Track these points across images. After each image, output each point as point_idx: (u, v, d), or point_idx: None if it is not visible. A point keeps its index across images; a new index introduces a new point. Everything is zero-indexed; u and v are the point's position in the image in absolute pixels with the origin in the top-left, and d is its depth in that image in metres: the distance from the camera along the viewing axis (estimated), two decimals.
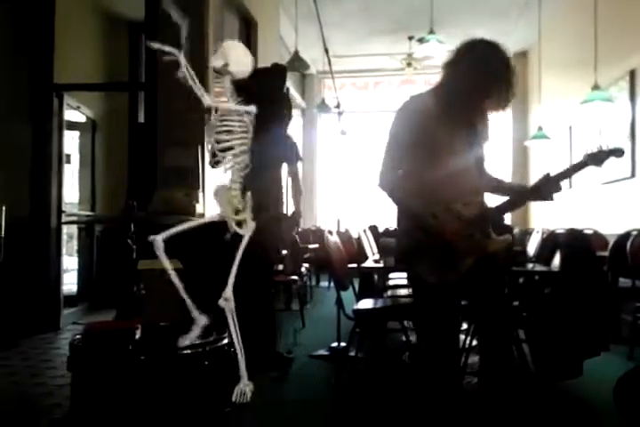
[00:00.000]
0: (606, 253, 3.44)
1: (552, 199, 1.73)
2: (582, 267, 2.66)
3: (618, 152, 1.69)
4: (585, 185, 5.51)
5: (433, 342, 1.78)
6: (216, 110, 1.51)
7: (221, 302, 1.41)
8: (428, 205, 1.69)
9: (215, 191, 1.44)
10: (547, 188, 1.72)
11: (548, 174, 1.73)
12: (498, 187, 1.87)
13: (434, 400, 1.81)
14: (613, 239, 3.50)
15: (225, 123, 1.47)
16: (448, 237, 1.65)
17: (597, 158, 1.69)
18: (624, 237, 3.32)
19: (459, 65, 1.71)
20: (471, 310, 1.85)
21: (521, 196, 1.81)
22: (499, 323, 1.78)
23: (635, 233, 3.30)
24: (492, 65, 1.67)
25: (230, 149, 1.43)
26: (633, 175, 4.50)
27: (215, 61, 1.45)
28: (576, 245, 2.75)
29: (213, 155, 1.50)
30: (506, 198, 1.83)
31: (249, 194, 1.44)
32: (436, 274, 1.69)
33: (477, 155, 1.82)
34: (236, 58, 1.47)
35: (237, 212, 1.42)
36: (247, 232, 1.43)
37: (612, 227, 4.07)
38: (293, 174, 3.10)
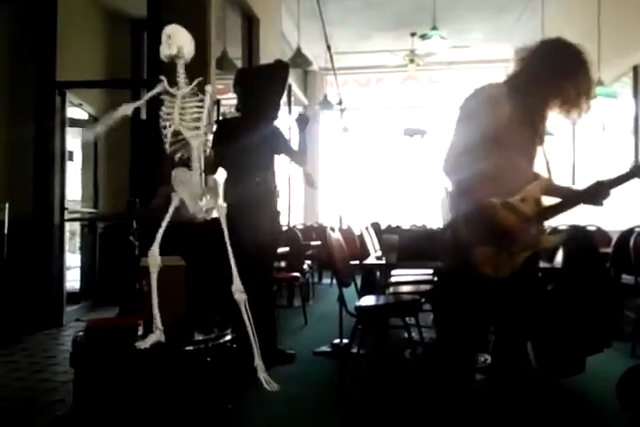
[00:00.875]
0: (609, 250, 3.43)
1: (602, 205, 1.79)
2: (585, 263, 2.65)
3: None
4: (588, 181, 5.49)
5: (464, 338, 1.77)
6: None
7: (237, 296, 1.41)
8: (490, 194, 1.69)
9: (174, 176, 1.46)
10: (597, 194, 1.77)
11: (599, 181, 1.77)
12: (548, 187, 1.87)
13: (452, 397, 1.81)
14: (617, 236, 3.49)
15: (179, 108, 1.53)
16: (512, 228, 1.65)
17: None
18: (627, 234, 3.31)
19: (530, 61, 1.73)
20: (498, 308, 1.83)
21: (572, 199, 1.83)
22: (524, 324, 1.79)
23: (638, 230, 3.29)
24: (561, 66, 1.68)
25: (178, 134, 1.47)
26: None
27: (168, 50, 1.48)
28: (579, 241, 2.74)
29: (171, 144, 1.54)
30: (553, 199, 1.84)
31: (213, 179, 1.46)
32: (492, 266, 1.68)
33: (533, 154, 1.84)
34: (187, 43, 1.51)
35: (200, 197, 1.44)
36: (221, 216, 1.46)
37: (615, 223, 4.06)
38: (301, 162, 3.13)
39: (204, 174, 1.51)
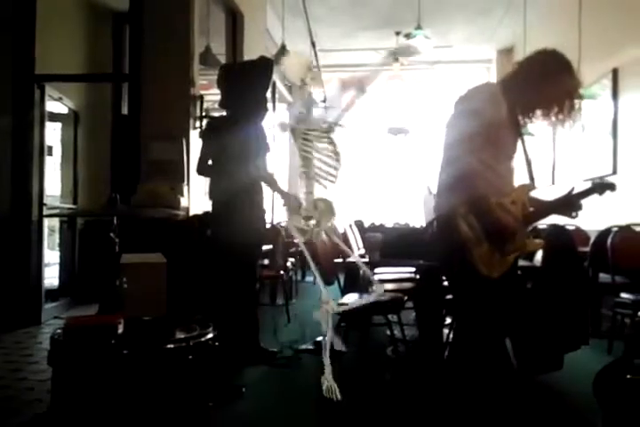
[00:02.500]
0: (587, 249, 3.49)
1: (574, 217, 1.86)
2: (564, 262, 2.69)
3: (612, 187, 1.85)
4: (567, 181, 5.58)
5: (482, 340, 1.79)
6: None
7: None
8: (482, 187, 1.72)
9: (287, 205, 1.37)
10: (567, 205, 1.84)
11: (569, 193, 1.84)
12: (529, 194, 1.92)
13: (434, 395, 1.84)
14: (595, 235, 3.55)
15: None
16: (508, 228, 1.68)
17: (601, 188, 1.83)
18: (605, 234, 3.37)
19: (525, 68, 1.82)
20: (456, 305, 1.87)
21: (547, 208, 1.89)
22: (507, 322, 1.83)
23: (615, 229, 3.35)
24: (552, 77, 1.76)
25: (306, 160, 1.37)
26: (614, 172, 4.57)
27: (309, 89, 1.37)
28: (558, 240, 2.78)
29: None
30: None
31: (322, 200, 1.36)
32: (487, 266, 1.70)
33: (513, 156, 1.90)
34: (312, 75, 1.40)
35: (307, 219, 1.35)
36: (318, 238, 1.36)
37: (593, 223, 4.13)
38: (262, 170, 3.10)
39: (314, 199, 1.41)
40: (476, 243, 1.70)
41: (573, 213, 1.86)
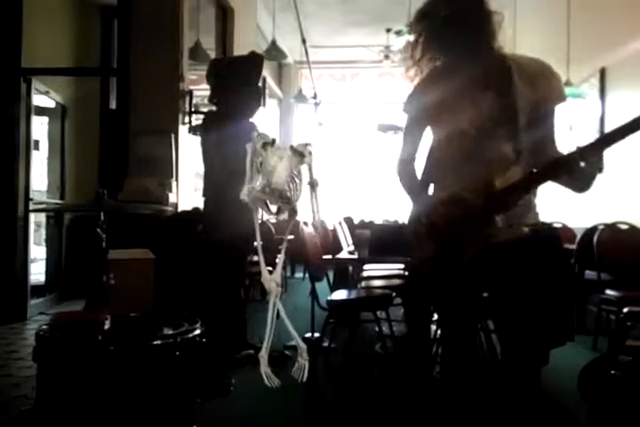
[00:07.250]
0: (574, 246, 3.53)
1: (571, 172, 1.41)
2: (550, 259, 2.71)
3: None
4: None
5: (449, 337, 1.78)
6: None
7: (272, 286, 1.27)
8: (435, 191, 1.62)
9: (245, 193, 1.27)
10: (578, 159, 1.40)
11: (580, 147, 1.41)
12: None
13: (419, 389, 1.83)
14: (581, 233, 3.59)
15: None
16: (441, 226, 1.51)
17: None
18: (591, 231, 3.41)
19: (423, 23, 1.54)
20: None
21: (543, 169, 1.48)
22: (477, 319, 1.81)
23: (601, 227, 3.39)
24: (440, 11, 1.48)
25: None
26: (600, 171, 4.61)
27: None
28: (545, 237, 2.80)
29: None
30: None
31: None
32: (427, 265, 1.62)
33: (506, 132, 1.50)
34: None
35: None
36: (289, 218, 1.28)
37: (580, 221, 4.17)
38: None
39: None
40: (419, 243, 1.62)
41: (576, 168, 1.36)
